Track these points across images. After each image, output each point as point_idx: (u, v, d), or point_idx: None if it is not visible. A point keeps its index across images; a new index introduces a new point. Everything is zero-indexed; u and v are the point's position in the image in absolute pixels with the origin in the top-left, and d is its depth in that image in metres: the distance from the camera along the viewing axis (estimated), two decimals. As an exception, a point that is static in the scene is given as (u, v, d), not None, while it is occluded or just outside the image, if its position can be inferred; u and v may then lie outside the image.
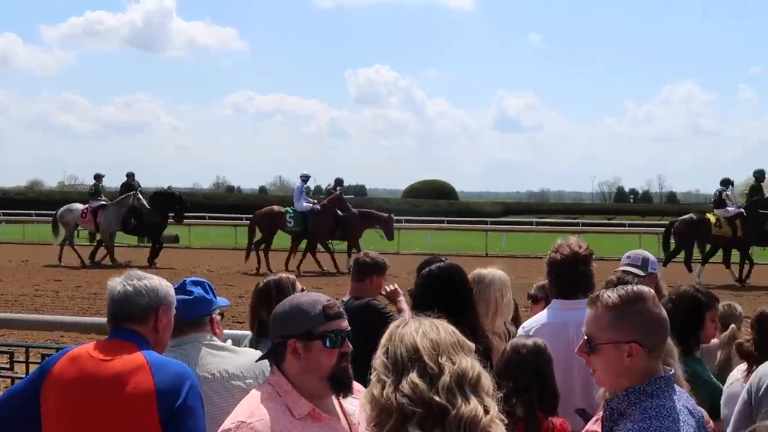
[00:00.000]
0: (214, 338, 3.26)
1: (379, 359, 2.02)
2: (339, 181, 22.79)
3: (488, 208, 61.15)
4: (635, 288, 2.39)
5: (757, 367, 3.40)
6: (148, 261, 21.14)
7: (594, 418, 2.60)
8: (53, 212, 23.30)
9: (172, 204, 22.64)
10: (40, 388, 2.72)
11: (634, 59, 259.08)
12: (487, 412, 1.93)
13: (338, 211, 20.64)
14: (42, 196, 56.71)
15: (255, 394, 2.38)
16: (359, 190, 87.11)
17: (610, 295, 2.34)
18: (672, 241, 18.86)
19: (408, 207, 50.04)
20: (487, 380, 2.01)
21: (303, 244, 21.17)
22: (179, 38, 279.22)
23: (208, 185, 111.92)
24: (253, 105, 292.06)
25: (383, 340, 2.06)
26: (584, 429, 2.66)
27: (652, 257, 4.87)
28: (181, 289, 3.23)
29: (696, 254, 19.02)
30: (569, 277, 3.79)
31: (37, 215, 34.78)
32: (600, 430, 2.37)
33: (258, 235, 20.88)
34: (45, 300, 14.83)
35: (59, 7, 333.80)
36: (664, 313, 2.38)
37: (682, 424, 2.21)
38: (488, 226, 32.41)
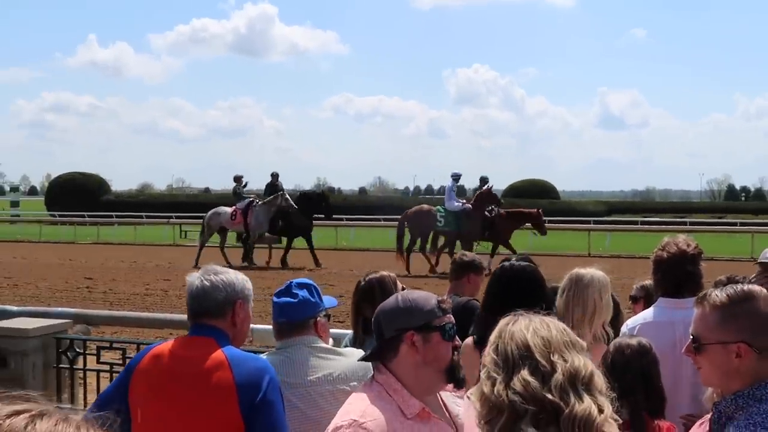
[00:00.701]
0: (319, 341, 3.23)
1: (489, 356, 1.99)
2: (485, 179, 21.86)
3: (591, 207, 59.91)
4: (745, 287, 2.30)
5: None
6: (281, 262, 21.49)
7: (699, 422, 2.51)
8: (164, 214, 24.12)
9: (319, 204, 22.70)
10: (128, 385, 2.79)
11: (743, 51, 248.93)
12: (601, 411, 1.89)
13: (486, 212, 20.35)
14: (151, 198, 58.87)
15: (363, 394, 2.37)
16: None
17: (719, 294, 2.26)
18: None
19: (508, 207, 49.46)
20: (600, 379, 1.96)
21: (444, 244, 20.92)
22: (281, 43, 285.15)
23: (309, 186, 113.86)
24: (353, 107, 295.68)
25: (493, 337, 2.04)
26: (690, 430, 2.57)
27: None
28: (286, 291, 3.22)
29: None
30: (676, 276, 3.69)
31: (147, 217, 36.13)
32: None
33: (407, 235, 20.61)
34: (155, 299, 15.38)
35: (167, 16, 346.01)
36: None
37: None
38: (591, 225, 31.84)
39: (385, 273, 4.28)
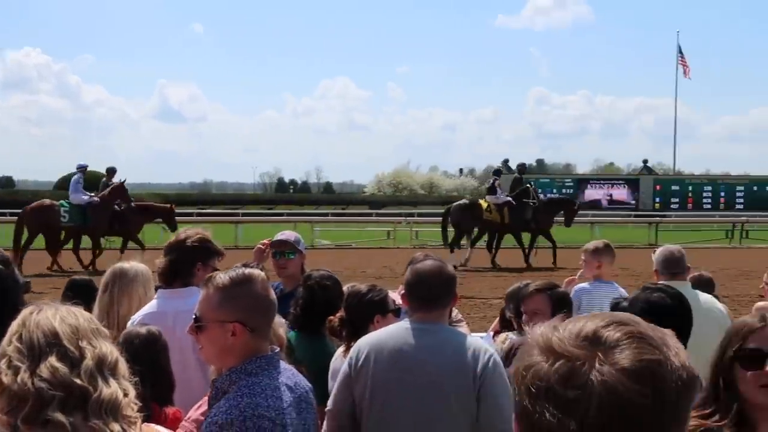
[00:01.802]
0: None
1: (11, 345, 1.95)
2: (113, 171, 20.26)
3: (150, 200, 59.41)
4: (247, 271, 2.54)
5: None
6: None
7: (197, 404, 2.74)
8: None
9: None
10: None
11: (294, 53, 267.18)
12: (126, 395, 1.97)
13: (116, 205, 18.99)
14: None
15: None
16: (6, 182, 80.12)
17: (222, 277, 2.48)
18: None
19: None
20: (123, 365, 2.04)
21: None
22: None
23: None
24: None
25: (15, 326, 2.00)
26: (188, 416, 2.80)
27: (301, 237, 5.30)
28: None
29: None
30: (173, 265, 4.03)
31: None
32: (202, 416, 2.50)
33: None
34: None
35: None
36: (272, 295, 2.57)
37: (274, 399, 2.37)
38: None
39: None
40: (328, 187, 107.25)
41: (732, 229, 28.22)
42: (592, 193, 38.04)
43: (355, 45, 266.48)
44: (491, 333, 5.81)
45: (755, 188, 40.31)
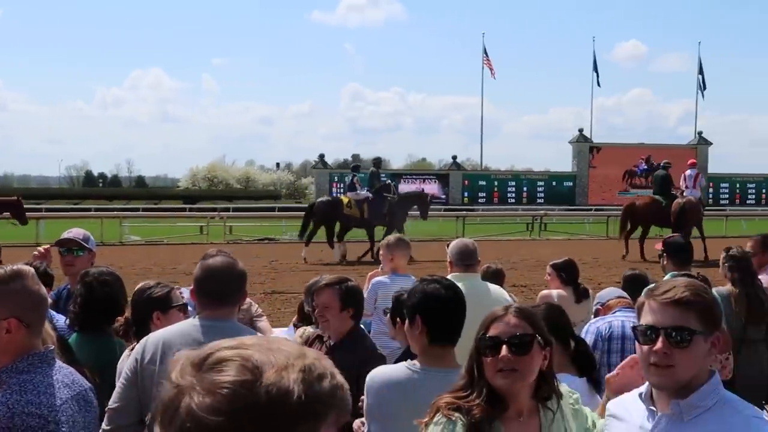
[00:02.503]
0: None
1: None
2: None
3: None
4: (17, 267, 2.47)
5: None
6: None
7: None
8: None
9: None
10: None
11: (102, 41, 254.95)
12: None
13: None
14: None
15: None
16: None
17: None
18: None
19: None
20: None
21: None
22: None
23: None
24: None
25: None
26: None
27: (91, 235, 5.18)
28: None
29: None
30: None
31: None
32: None
33: None
34: None
35: None
36: (44, 290, 2.52)
37: (46, 397, 2.33)
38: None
39: None
40: (140, 181, 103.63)
41: (532, 222, 29.90)
42: (405, 188, 39.18)
43: (168, 35, 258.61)
44: (293, 326, 5.91)
45: (554, 183, 43.01)
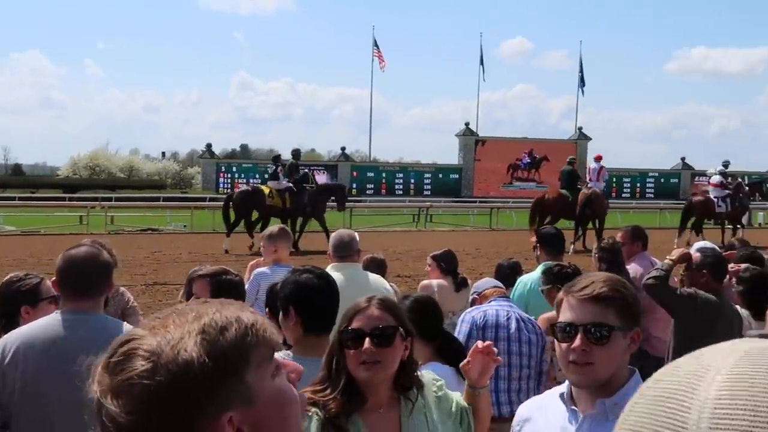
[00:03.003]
0: None
1: None
2: None
3: None
4: None
5: None
6: None
7: None
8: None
9: None
10: None
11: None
12: None
13: None
14: None
15: None
16: None
17: None
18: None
19: None
20: None
21: None
22: None
23: None
24: None
25: None
26: None
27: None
28: None
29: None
30: None
31: None
32: None
33: None
34: None
35: None
36: None
37: None
38: None
39: None
40: (17, 168, 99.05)
41: (418, 213, 30.31)
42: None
43: (50, 16, 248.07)
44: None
45: (441, 176, 43.75)
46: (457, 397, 2.76)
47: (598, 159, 22.04)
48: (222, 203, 21.20)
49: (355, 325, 2.51)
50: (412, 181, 43.08)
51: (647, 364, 2.59)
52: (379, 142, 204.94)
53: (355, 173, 41.66)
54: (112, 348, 1.09)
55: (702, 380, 0.68)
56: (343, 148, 44.46)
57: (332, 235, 5.67)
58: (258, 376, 1.08)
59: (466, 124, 45.05)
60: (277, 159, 21.91)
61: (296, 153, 22.87)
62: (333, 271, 4.99)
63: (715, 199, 22.30)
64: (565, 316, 2.24)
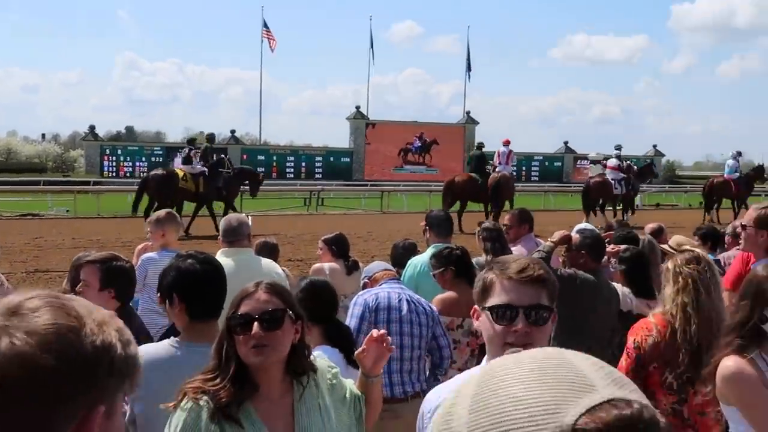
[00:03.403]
0: None
1: None
2: None
3: None
4: None
5: None
6: None
7: None
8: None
9: None
10: None
11: None
12: None
13: None
14: None
15: None
16: None
17: None
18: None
19: None
20: None
21: None
22: None
23: None
24: None
25: None
26: None
27: None
28: None
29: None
30: None
31: None
32: None
33: None
34: None
35: None
36: None
37: None
38: None
39: None
40: None
41: (310, 197, 30.21)
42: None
43: None
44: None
45: (332, 159, 43.74)
46: (350, 385, 2.78)
47: (507, 143, 22.52)
48: (109, 186, 20.56)
49: (243, 310, 2.48)
50: (303, 164, 42.90)
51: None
52: (270, 125, 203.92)
53: (245, 156, 41.08)
54: (25, 296, 1.12)
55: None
56: (232, 131, 43.84)
57: (222, 220, 5.60)
58: None
59: (357, 108, 45.15)
60: (191, 142, 21.51)
61: (211, 137, 22.51)
62: (223, 256, 4.93)
63: (613, 182, 23.14)
64: (501, 298, 2.20)
